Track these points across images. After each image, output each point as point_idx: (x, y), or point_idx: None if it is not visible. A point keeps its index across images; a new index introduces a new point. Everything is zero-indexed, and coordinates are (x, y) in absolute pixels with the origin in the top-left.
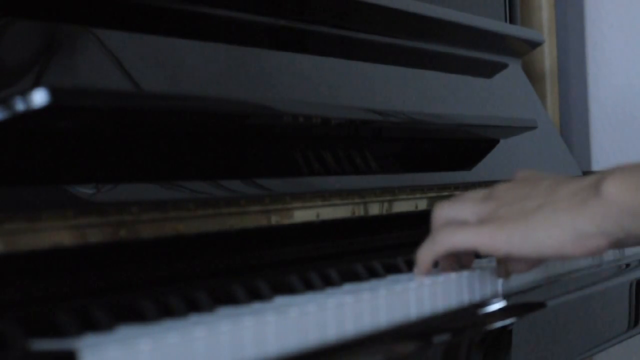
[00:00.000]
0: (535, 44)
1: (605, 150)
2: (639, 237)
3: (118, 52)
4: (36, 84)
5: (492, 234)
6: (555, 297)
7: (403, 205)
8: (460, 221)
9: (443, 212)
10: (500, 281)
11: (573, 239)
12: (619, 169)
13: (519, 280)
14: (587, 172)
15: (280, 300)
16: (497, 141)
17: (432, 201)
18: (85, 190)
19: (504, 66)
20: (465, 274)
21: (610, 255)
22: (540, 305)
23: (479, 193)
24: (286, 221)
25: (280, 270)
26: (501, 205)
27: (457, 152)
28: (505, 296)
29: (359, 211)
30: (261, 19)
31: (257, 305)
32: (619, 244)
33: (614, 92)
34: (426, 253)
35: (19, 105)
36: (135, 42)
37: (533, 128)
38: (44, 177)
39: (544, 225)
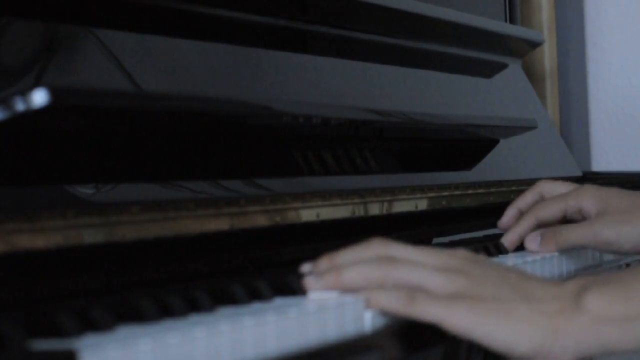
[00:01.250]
0: (535, 44)
1: (605, 150)
2: (617, 349)
3: (118, 52)
4: (36, 84)
5: (465, 315)
6: None
7: (403, 205)
8: (416, 286)
9: (403, 270)
10: None
11: (549, 350)
12: (595, 282)
13: None
14: (587, 172)
15: (280, 301)
16: (497, 141)
17: (432, 201)
18: (85, 190)
19: (504, 66)
20: None
21: (610, 255)
22: None
23: (438, 259)
24: (286, 221)
25: (280, 270)
26: (473, 283)
27: (457, 152)
28: None
29: (359, 211)
30: (261, 19)
31: (257, 305)
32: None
33: (614, 92)
34: (386, 304)
35: (19, 105)
36: (135, 42)
37: (533, 128)
38: (44, 177)
39: (523, 325)
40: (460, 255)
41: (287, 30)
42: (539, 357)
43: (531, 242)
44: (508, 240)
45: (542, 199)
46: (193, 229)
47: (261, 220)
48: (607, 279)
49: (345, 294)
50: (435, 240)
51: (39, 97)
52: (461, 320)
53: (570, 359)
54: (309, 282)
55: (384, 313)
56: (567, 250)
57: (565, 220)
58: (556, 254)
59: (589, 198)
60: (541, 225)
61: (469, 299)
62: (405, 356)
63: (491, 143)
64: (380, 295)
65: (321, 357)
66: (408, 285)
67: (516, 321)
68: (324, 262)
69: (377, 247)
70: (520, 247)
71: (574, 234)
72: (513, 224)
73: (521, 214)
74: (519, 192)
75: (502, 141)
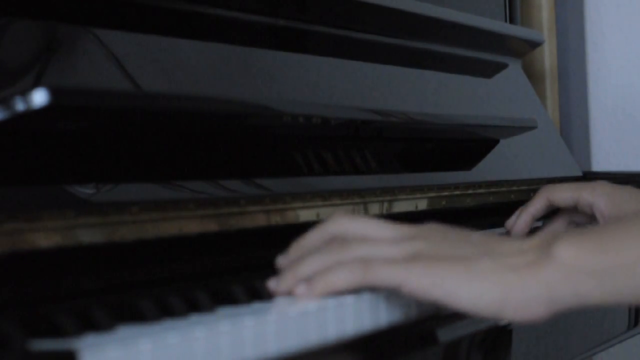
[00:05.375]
0: (535, 44)
1: (605, 150)
2: (594, 302)
3: (118, 52)
4: (36, 84)
5: (426, 272)
6: None
7: (403, 205)
8: (375, 256)
9: (348, 251)
10: None
11: (517, 302)
12: (565, 233)
13: None
14: (587, 172)
15: (280, 301)
16: (497, 141)
17: (432, 201)
18: (85, 191)
19: (504, 66)
20: None
21: None
22: None
23: (394, 231)
24: (286, 221)
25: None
26: (429, 246)
27: (457, 152)
28: None
29: (359, 211)
30: (261, 19)
31: (257, 305)
32: (558, 313)
33: (614, 92)
34: (343, 282)
35: (19, 105)
36: (135, 42)
37: (533, 128)
38: (44, 177)
39: (487, 278)
40: (426, 227)
41: (287, 30)
42: (508, 310)
43: None
44: (521, 221)
45: (550, 204)
46: (193, 229)
47: (261, 220)
48: (579, 231)
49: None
50: None
51: (39, 97)
52: (420, 280)
53: (545, 312)
54: (270, 286)
55: (346, 288)
56: None
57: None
58: None
59: (603, 197)
60: (550, 207)
61: (427, 259)
62: None
63: (491, 143)
64: (333, 275)
65: (321, 357)
66: (367, 256)
67: (478, 276)
68: (282, 259)
69: (333, 226)
70: None
71: None
72: (525, 225)
73: (534, 220)
74: (519, 192)
75: (502, 141)
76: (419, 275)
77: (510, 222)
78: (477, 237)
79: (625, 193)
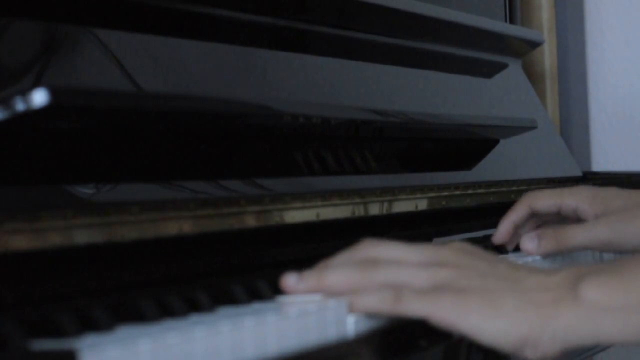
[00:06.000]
0: (535, 44)
1: (605, 150)
2: (614, 341)
3: (118, 52)
4: (36, 84)
5: (450, 308)
6: None
7: (403, 205)
8: (400, 285)
9: (379, 272)
10: None
11: (535, 341)
12: (589, 271)
13: None
14: (587, 172)
15: (280, 300)
16: (497, 141)
17: (432, 201)
18: (86, 190)
19: (504, 66)
20: None
21: (610, 254)
22: None
23: (421, 254)
24: (286, 221)
25: (280, 270)
26: (459, 276)
27: (457, 152)
28: None
29: (359, 211)
30: (261, 19)
31: (257, 305)
32: (570, 349)
33: (614, 92)
34: (373, 306)
35: (19, 105)
36: (135, 42)
37: (533, 128)
38: (44, 177)
39: (510, 316)
40: (452, 247)
41: (287, 30)
42: (527, 348)
43: (528, 243)
44: (502, 229)
45: (532, 211)
46: (193, 229)
47: (261, 220)
48: (601, 268)
49: (327, 297)
50: (435, 240)
51: (39, 97)
52: (447, 314)
53: (559, 349)
54: (289, 281)
55: (370, 315)
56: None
57: (560, 216)
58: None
59: (585, 199)
60: (533, 216)
61: (454, 292)
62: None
63: (491, 143)
64: (364, 298)
65: (321, 357)
66: (392, 285)
67: (503, 312)
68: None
69: (364, 250)
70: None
71: (575, 237)
72: (506, 234)
73: (517, 228)
74: (519, 192)
75: (502, 141)
76: (446, 310)
77: (495, 237)
78: (503, 267)
79: (609, 192)
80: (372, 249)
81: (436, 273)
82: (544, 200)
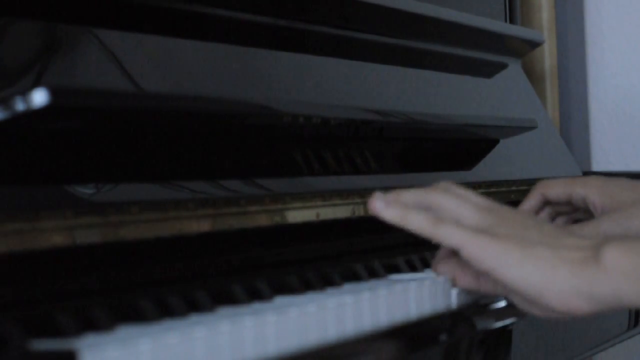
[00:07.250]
0: (535, 44)
1: (605, 150)
2: (632, 303)
3: (118, 52)
4: (36, 84)
5: (486, 245)
6: None
7: None
8: (454, 217)
9: (444, 200)
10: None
11: (559, 292)
12: (615, 238)
13: None
14: (587, 172)
15: (280, 300)
16: (497, 141)
17: None
18: (85, 190)
19: (504, 66)
20: None
21: None
22: None
23: (482, 201)
24: (286, 221)
25: (280, 270)
26: (502, 224)
27: (457, 152)
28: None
29: (359, 211)
30: (261, 19)
31: (257, 305)
32: (599, 311)
33: (614, 92)
34: (425, 232)
35: (19, 105)
36: (135, 42)
37: (533, 128)
38: (44, 177)
39: (541, 263)
40: (513, 211)
41: (288, 30)
42: (548, 298)
43: None
44: None
45: (545, 199)
46: (193, 229)
47: (261, 220)
48: (630, 238)
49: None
50: None
51: (39, 97)
52: (479, 249)
53: (587, 307)
54: (376, 203)
55: (416, 232)
56: None
57: (571, 205)
58: None
59: (595, 189)
60: (546, 205)
61: (494, 235)
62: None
63: (491, 143)
64: (412, 216)
65: (321, 357)
66: (448, 214)
67: (533, 259)
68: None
69: (442, 184)
70: None
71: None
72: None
73: None
74: (519, 192)
75: (502, 141)
76: (479, 246)
77: None
78: (549, 227)
79: (618, 184)
80: (448, 185)
81: (484, 215)
82: (556, 189)
